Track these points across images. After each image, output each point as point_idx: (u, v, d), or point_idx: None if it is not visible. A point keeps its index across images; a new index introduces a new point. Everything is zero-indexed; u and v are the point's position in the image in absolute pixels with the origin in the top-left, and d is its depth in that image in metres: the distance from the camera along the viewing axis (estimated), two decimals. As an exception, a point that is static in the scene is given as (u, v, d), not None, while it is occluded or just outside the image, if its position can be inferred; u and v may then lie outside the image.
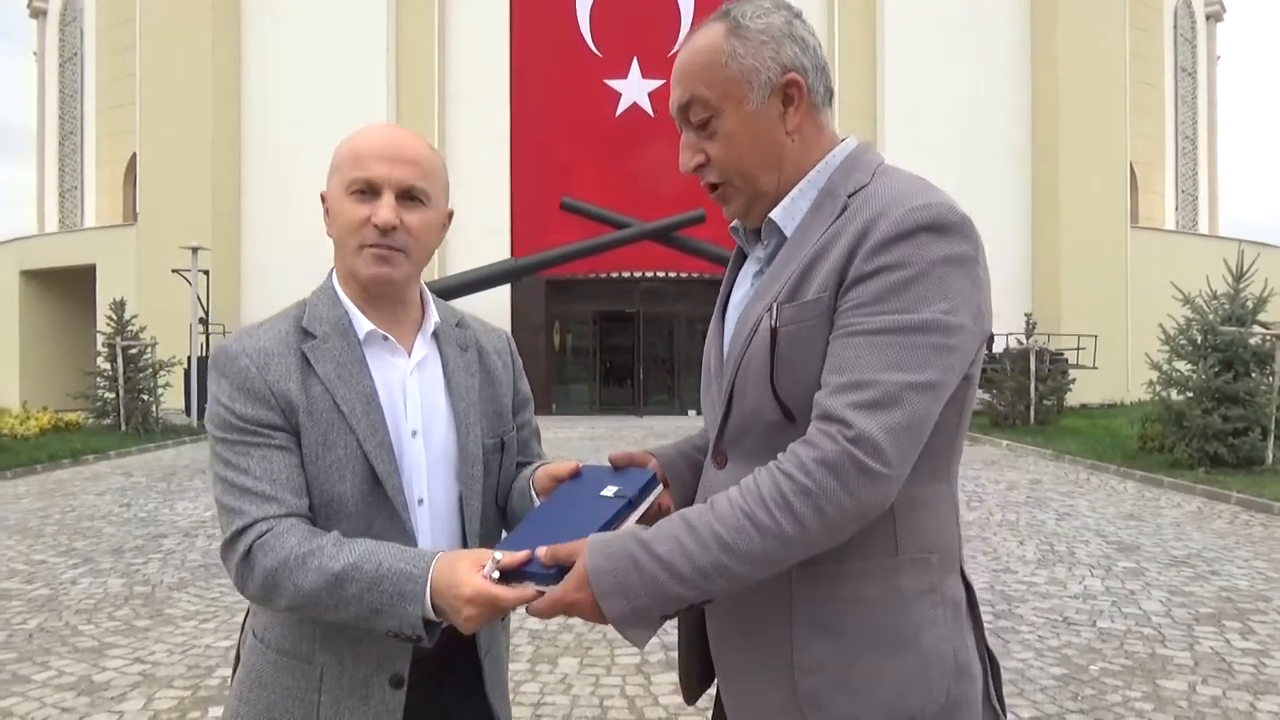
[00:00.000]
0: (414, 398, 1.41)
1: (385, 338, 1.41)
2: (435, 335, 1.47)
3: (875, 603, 1.17)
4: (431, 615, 1.18)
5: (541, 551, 1.15)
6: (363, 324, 1.39)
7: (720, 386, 1.27)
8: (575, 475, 1.39)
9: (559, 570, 1.13)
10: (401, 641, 1.24)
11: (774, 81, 1.21)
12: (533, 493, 1.43)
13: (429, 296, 1.49)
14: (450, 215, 1.47)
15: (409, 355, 1.43)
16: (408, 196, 1.35)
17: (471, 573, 1.16)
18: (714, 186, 1.28)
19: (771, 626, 1.20)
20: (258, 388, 1.30)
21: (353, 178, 1.34)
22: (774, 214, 1.25)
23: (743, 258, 1.38)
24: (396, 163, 1.34)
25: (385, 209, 1.33)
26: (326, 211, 1.40)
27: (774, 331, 1.17)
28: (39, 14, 29.50)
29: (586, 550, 1.11)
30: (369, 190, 1.34)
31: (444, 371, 1.46)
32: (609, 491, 1.30)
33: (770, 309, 1.19)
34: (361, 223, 1.34)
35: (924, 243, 1.11)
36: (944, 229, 1.12)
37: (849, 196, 1.20)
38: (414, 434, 1.40)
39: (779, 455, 1.11)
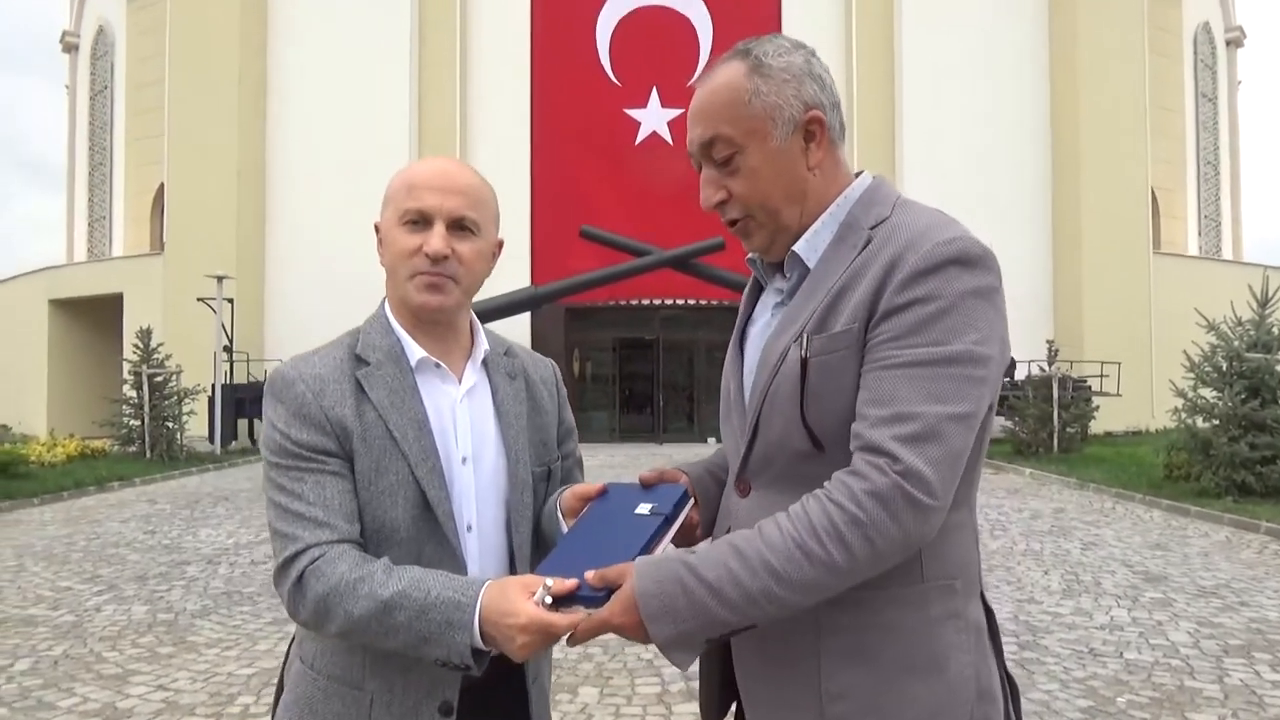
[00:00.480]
0: (464, 424, 1.43)
1: (437, 365, 1.43)
2: (485, 363, 1.49)
3: (904, 629, 1.18)
4: (480, 644, 1.19)
5: (590, 575, 1.16)
6: (415, 351, 1.41)
7: (743, 415, 1.29)
8: (603, 494, 1.40)
9: (607, 592, 1.14)
10: (450, 670, 1.24)
11: (797, 119, 1.24)
12: (559, 514, 1.44)
13: (479, 325, 1.52)
14: (500, 244, 1.50)
15: (459, 382, 1.45)
16: (459, 226, 1.38)
17: (524, 600, 1.16)
18: (734, 221, 1.30)
19: (799, 655, 1.21)
20: (314, 414, 1.32)
21: (406, 208, 1.37)
22: (797, 247, 1.27)
23: (759, 289, 1.40)
24: (448, 193, 1.37)
25: (437, 238, 1.36)
26: (380, 241, 1.43)
27: (804, 362, 1.19)
28: (71, 48, 30.16)
29: (634, 573, 1.13)
30: (421, 220, 1.37)
31: (493, 399, 1.47)
32: (644, 509, 1.30)
33: (799, 339, 1.20)
34: (413, 251, 1.37)
35: (953, 276, 1.14)
36: (970, 262, 1.15)
37: (871, 229, 1.23)
38: (464, 460, 1.41)
39: (825, 485, 1.13)
